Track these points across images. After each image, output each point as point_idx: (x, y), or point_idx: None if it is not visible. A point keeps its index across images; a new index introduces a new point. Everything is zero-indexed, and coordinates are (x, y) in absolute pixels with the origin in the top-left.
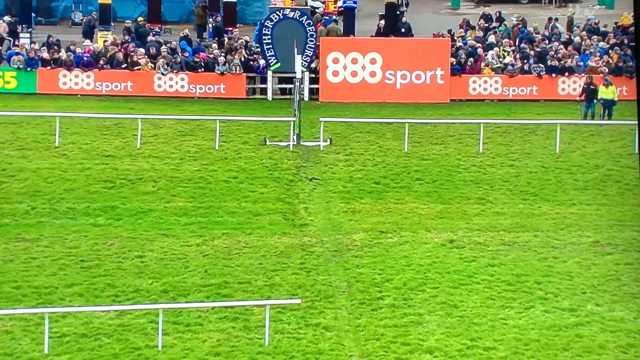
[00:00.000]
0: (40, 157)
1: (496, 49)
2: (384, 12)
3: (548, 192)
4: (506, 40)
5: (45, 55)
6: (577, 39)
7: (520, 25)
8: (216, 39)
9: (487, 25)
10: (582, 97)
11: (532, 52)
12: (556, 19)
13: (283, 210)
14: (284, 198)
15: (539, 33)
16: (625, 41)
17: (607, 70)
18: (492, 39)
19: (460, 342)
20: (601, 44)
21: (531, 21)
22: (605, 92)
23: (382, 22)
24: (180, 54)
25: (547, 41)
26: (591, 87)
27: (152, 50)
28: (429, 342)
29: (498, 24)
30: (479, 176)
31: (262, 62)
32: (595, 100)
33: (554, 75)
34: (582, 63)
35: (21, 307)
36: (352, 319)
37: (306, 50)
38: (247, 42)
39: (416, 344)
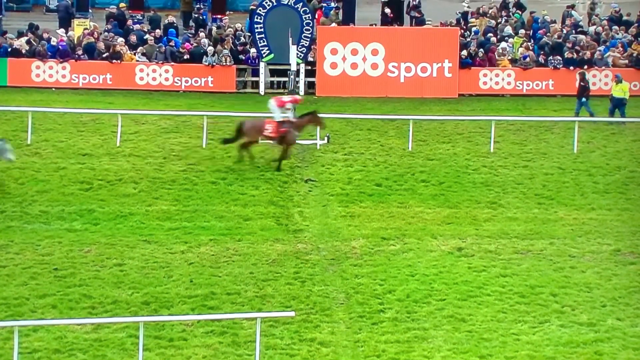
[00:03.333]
0: None
1: (510, 39)
2: None
3: (565, 195)
4: (522, 31)
5: (18, 43)
6: (598, 29)
7: (535, 13)
8: (201, 30)
9: (501, 13)
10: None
11: (548, 43)
12: (573, 6)
13: (276, 215)
14: (277, 201)
15: (555, 22)
16: None
17: (628, 62)
18: (508, 29)
19: (469, 359)
20: (624, 34)
21: (547, 9)
22: (615, 90)
23: (388, 10)
24: (166, 44)
25: (564, 31)
26: (581, 83)
27: (133, 39)
28: (434, 359)
29: (515, 9)
30: (490, 178)
31: (252, 51)
32: (585, 99)
33: (571, 68)
34: (603, 55)
35: None
36: (351, 334)
37: (302, 40)
38: (235, 30)
39: None
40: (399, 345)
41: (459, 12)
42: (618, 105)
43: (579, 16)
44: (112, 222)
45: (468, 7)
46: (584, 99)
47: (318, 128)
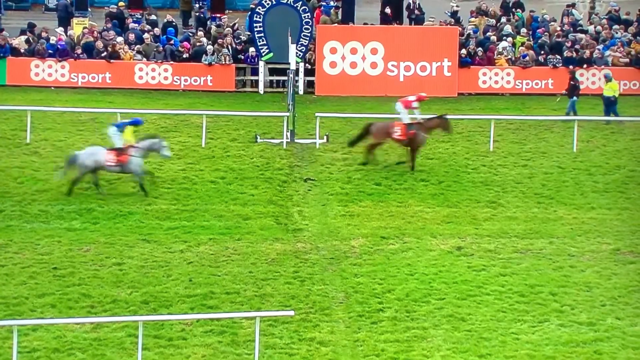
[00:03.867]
0: (9, 155)
1: (510, 38)
2: None
3: (565, 194)
4: (524, 30)
5: (17, 42)
6: (597, 28)
7: (534, 12)
8: (200, 29)
9: (501, 14)
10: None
11: (547, 42)
12: (573, 5)
13: (275, 214)
14: (276, 200)
15: (555, 21)
16: None
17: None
18: (508, 28)
19: (468, 359)
20: (623, 33)
21: (546, 8)
22: (605, 89)
23: (388, 9)
24: (164, 42)
25: (563, 30)
26: (571, 82)
27: (131, 38)
28: (433, 359)
29: (515, 9)
30: (490, 177)
31: (251, 50)
32: (576, 97)
33: (571, 67)
34: (602, 54)
35: None
36: (350, 333)
37: (301, 39)
38: (234, 29)
39: None
40: (398, 344)
41: (448, 12)
42: (608, 104)
43: (579, 15)
44: (111, 222)
45: (457, 6)
46: (575, 98)
47: (318, 127)
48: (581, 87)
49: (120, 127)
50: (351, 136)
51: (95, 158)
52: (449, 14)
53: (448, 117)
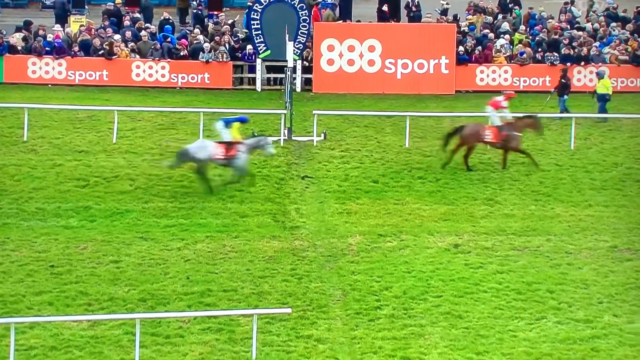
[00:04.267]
0: (6, 153)
1: (507, 36)
2: None
3: (562, 192)
4: (522, 27)
5: (14, 40)
6: (595, 25)
7: (532, 10)
8: (197, 26)
9: (498, 11)
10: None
11: (545, 39)
12: (572, 1)
13: (272, 212)
14: (274, 198)
15: (552, 18)
16: None
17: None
18: (505, 25)
19: (466, 356)
20: (620, 30)
21: (544, 5)
22: (597, 86)
23: (385, 7)
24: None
25: (561, 27)
26: (562, 80)
27: (128, 35)
28: (431, 356)
29: (512, 5)
30: (487, 175)
31: (249, 47)
32: (566, 96)
33: (568, 64)
34: (600, 51)
35: None
36: (347, 331)
37: (298, 37)
38: (231, 27)
39: (417, 357)
40: (395, 342)
41: (438, 10)
42: (599, 100)
43: (577, 12)
44: (108, 219)
45: (447, 4)
46: (565, 96)
47: (315, 124)
48: (579, 84)
49: (228, 123)
50: (443, 137)
51: (206, 151)
52: (439, 12)
53: (539, 116)
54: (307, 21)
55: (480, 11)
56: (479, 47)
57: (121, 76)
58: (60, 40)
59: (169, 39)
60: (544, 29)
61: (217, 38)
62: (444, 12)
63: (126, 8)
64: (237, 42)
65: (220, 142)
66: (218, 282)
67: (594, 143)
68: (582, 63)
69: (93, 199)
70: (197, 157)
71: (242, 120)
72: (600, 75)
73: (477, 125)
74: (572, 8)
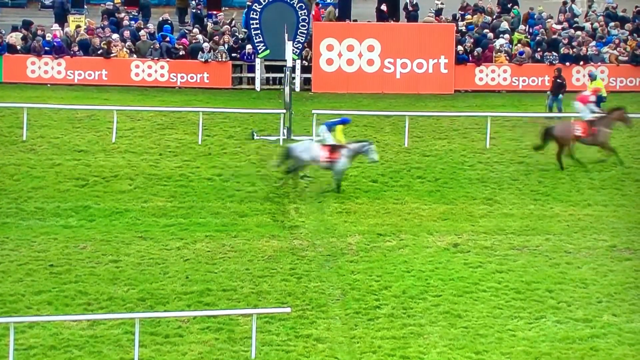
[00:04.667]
0: (6, 152)
1: (507, 35)
2: None
3: (561, 191)
4: (522, 27)
5: (13, 40)
6: (594, 25)
7: (532, 10)
8: (196, 26)
9: (498, 11)
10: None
11: (544, 39)
12: (573, 0)
13: (272, 211)
14: (273, 197)
15: (552, 17)
16: None
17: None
18: (504, 25)
19: (465, 355)
20: (620, 30)
21: (543, 4)
22: (589, 88)
23: (384, 6)
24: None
25: (560, 27)
26: (558, 80)
27: (126, 35)
28: (430, 355)
29: (511, 4)
30: (486, 174)
31: (248, 47)
32: (561, 95)
33: (567, 64)
34: (599, 51)
35: None
36: (347, 330)
37: (298, 36)
38: (230, 26)
39: (416, 357)
40: (394, 341)
41: (432, 10)
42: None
43: (578, 10)
44: (107, 219)
45: (442, 4)
46: (560, 96)
47: (314, 124)
48: (578, 84)
49: (331, 127)
50: (534, 143)
51: (311, 153)
52: (433, 12)
53: (626, 111)
54: (307, 21)
55: (480, 11)
56: (479, 49)
57: (120, 76)
58: (59, 40)
59: (168, 39)
60: (543, 29)
61: (216, 38)
62: (439, 12)
63: (125, 8)
64: (236, 41)
65: (325, 145)
66: (217, 281)
67: None
68: (581, 62)
69: (92, 198)
70: (302, 157)
71: (345, 122)
72: (592, 77)
73: (565, 122)
74: (573, 6)
